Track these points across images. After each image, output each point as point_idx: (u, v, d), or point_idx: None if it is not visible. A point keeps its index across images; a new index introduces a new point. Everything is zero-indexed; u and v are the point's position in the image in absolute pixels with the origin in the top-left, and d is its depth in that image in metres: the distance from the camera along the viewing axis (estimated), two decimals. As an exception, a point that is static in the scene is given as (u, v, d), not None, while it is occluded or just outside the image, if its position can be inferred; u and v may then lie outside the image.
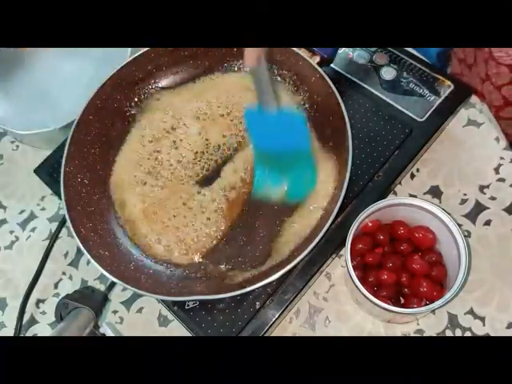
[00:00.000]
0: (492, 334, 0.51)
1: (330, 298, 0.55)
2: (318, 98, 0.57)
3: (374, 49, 0.62)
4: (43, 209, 0.67)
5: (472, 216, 0.56)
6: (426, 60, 0.62)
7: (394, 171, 0.56)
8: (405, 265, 0.50)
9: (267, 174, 0.54)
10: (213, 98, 0.61)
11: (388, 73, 0.60)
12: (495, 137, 0.59)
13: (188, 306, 0.53)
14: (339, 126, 0.52)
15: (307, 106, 0.59)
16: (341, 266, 0.56)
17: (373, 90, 0.60)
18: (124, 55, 0.63)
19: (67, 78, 0.70)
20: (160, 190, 0.58)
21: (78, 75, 0.69)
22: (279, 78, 0.60)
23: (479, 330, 0.51)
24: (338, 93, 0.53)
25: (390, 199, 0.50)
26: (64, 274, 0.62)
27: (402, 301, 0.51)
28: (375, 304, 0.46)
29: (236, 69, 0.63)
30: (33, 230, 0.66)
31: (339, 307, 0.55)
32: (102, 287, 0.60)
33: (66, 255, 0.63)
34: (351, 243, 0.48)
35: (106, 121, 0.60)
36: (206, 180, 0.58)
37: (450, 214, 0.48)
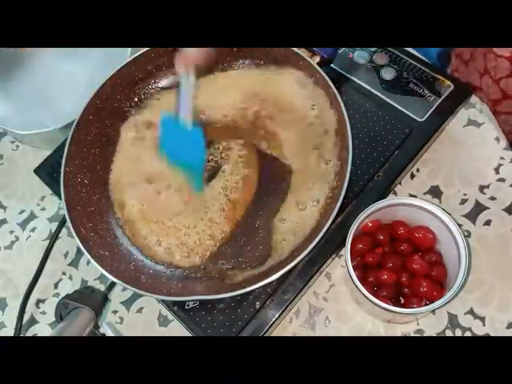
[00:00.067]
0: (492, 334, 0.51)
1: (330, 297, 0.55)
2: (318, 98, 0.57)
3: (374, 49, 0.62)
4: (43, 209, 0.67)
5: (472, 216, 0.56)
6: (426, 60, 0.62)
7: (394, 171, 0.56)
8: (405, 265, 0.50)
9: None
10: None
11: (388, 73, 0.60)
12: (495, 137, 0.59)
13: (188, 305, 0.53)
14: (339, 126, 0.52)
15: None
16: (341, 266, 0.56)
17: (373, 90, 0.60)
18: (124, 55, 0.62)
19: (67, 78, 0.70)
20: (159, 190, 0.58)
21: (78, 75, 0.69)
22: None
23: (479, 329, 0.51)
24: (338, 93, 0.53)
25: (390, 199, 0.50)
26: (64, 274, 0.62)
27: (402, 301, 0.51)
28: (375, 304, 0.46)
29: (236, 69, 0.63)
30: (33, 229, 0.66)
31: (339, 307, 0.55)
32: (102, 287, 0.60)
33: (66, 255, 0.63)
34: (351, 243, 0.48)
35: (106, 121, 0.60)
36: (207, 180, 0.57)
37: (450, 214, 0.48)
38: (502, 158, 0.58)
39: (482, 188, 0.57)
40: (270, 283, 0.48)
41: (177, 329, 0.56)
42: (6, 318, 0.62)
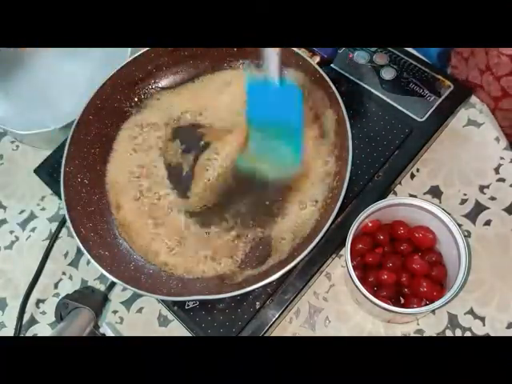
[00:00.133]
0: (492, 334, 0.51)
1: (330, 297, 0.55)
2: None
3: (374, 49, 0.62)
4: (43, 209, 0.67)
5: (472, 216, 0.56)
6: (426, 60, 0.62)
7: (394, 171, 0.56)
8: (405, 265, 0.50)
9: (256, 146, 0.54)
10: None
11: (388, 73, 0.60)
12: (495, 137, 0.59)
13: (188, 305, 0.53)
14: (339, 126, 0.52)
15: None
16: (341, 266, 0.56)
17: (373, 90, 0.60)
18: (124, 55, 0.62)
19: (67, 78, 0.70)
20: (156, 191, 0.58)
21: (78, 75, 0.69)
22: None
23: (479, 329, 0.51)
24: (338, 93, 0.53)
25: (390, 199, 0.50)
26: (64, 274, 0.62)
27: (402, 301, 0.51)
28: (375, 304, 0.46)
29: (236, 69, 0.63)
30: (33, 230, 0.66)
31: (339, 307, 0.55)
32: (102, 287, 0.60)
33: (66, 255, 0.63)
34: (351, 243, 0.48)
35: (106, 121, 0.60)
36: (207, 180, 0.57)
37: (450, 214, 0.48)
38: (501, 158, 0.58)
39: (482, 188, 0.57)
40: (270, 283, 0.48)
41: (177, 329, 0.56)
42: (6, 318, 0.62)
